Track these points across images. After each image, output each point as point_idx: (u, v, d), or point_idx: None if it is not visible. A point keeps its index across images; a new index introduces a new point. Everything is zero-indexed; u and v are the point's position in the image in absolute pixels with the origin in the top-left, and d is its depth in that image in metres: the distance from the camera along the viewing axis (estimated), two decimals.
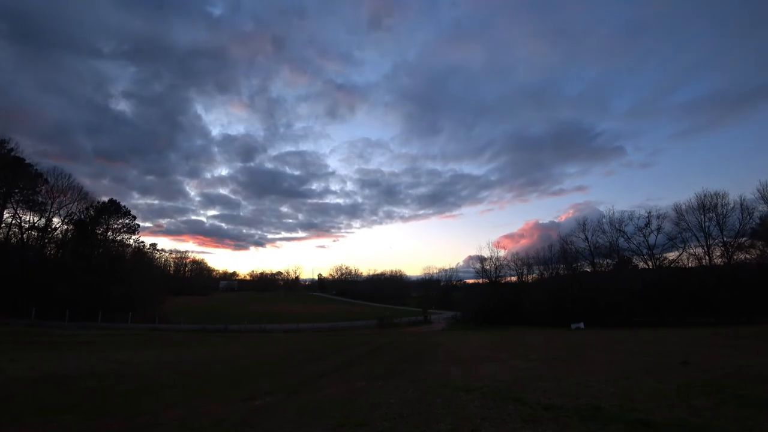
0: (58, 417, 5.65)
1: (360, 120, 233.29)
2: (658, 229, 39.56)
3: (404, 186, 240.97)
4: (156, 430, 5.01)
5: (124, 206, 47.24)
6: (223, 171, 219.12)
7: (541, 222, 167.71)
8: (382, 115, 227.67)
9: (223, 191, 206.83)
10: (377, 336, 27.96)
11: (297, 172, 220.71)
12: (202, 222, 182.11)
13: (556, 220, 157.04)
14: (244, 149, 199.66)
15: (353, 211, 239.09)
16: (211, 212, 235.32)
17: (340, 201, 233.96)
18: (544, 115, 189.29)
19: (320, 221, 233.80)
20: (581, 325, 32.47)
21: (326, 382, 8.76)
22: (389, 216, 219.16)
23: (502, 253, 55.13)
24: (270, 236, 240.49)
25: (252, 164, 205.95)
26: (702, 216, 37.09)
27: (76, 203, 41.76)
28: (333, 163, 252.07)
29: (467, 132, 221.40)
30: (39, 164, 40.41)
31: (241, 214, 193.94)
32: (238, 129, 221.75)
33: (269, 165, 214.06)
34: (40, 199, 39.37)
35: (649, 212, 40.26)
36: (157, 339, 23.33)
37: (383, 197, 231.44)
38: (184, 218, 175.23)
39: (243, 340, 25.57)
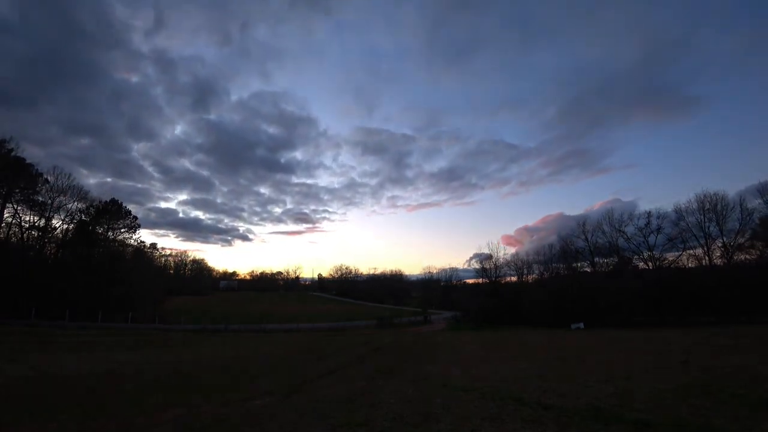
0: (58, 417, 5.65)
1: (357, 22, 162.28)
2: (658, 230, 39.63)
3: (417, 155, 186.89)
4: (156, 430, 5.02)
5: (125, 206, 47.42)
6: (176, 128, 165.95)
7: (568, 214, 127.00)
8: (390, 16, 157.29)
9: (186, 164, 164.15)
10: (377, 336, 27.95)
11: (274, 130, 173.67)
12: (173, 211, 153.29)
13: (584, 211, 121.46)
14: (195, 87, 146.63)
15: (350, 196, 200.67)
16: (181, 196, 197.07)
17: (334, 180, 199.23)
18: (633, 20, 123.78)
19: (311, 210, 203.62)
20: (581, 325, 32.42)
21: (326, 382, 8.76)
22: (393, 204, 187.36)
23: (503, 252, 54.62)
24: (256, 229, 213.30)
25: (211, 117, 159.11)
26: (702, 216, 37.15)
27: (76, 203, 41.83)
28: (323, 115, 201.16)
29: (518, 55, 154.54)
30: (39, 164, 40.56)
31: (218, 200, 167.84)
32: (176, 44, 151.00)
33: (235, 117, 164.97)
34: (40, 198, 39.41)
35: (649, 212, 40.42)
36: (157, 339, 23.32)
37: (389, 172, 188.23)
38: (151, 205, 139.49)
39: (243, 340, 25.56)
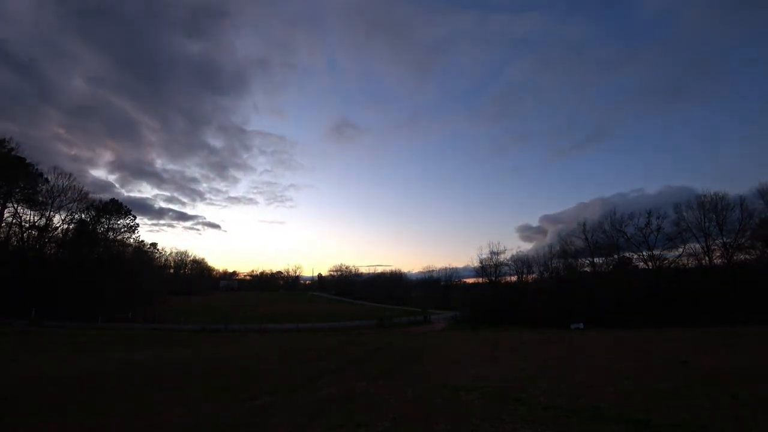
0: (58, 417, 5.65)
1: None
2: (658, 230, 39.61)
3: (457, 48, 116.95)
4: (156, 430, 5.02)
5: (125, 206, 47.50)
6: None
7: (623, 192, 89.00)
8: None
9: (78, 81, 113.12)
10: (377, 336, 27.94)
11: None
12: (107, 184, 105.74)
13: (627, 192, 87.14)
14: None
15: (338, 151, 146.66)
16: (103, 154, 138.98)
17: (316, 119, 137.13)
18: None
19: (289, 185, 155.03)
20: (581, 325, 32.42)
21: (326, 382, 8.76)
22: (401, 169, 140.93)
23: (503, 252, 54.26)
24: (226, 215, 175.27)
25: None
26: (702, 216, 37.16)
27: (76, 203, 41.84)
28: None
29: None
30: (40, 164, 40.62)
31: (157, 163, 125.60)
32: None
33: None
34: (40, 198, 39.42)
35: (649, 212, 40.41)
36: (157, 339, 23.31)
37: (403, 102, 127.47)
38: (77, 168, 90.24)
39: (243, 339, 25.56)
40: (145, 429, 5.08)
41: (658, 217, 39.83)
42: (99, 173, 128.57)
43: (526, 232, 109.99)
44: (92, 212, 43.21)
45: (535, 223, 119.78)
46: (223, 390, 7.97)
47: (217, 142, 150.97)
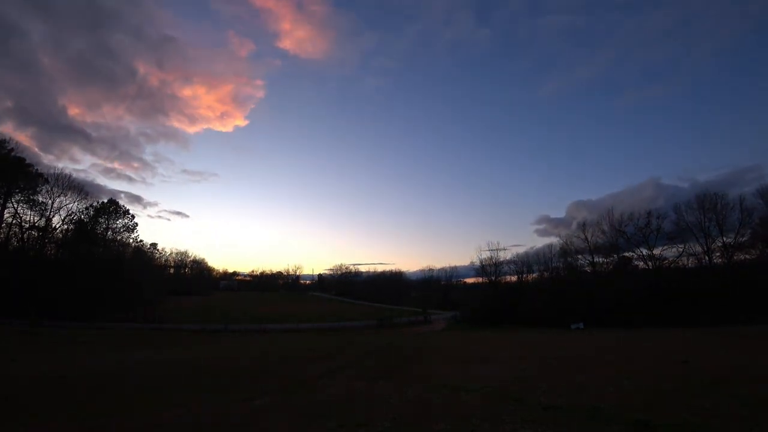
0: (59, 417, 5.65)
1: None
2: (658, 230, 39.61)
3: None
4: (156, 430, 5.02)
5: (124, 206, 47.56)
6: None
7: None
8: None
9: None
10: (377, 336, 27.95)
11: None
12: (22, 149, 75.07)
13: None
14: None
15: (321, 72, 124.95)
16: None
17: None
18: None
19: (264, 145, 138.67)
20: (581, 325, 32.42)
21: (326, 382, 8.76)
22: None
23: (502, 252, 54.41)
24: (187, 198, 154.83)
25: None
26: (702, 216, 37.17)
27: (76, 203, 41.89)
28: None
29: None
30: (39, 164, 40.69)
31: (76, 116, 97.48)
32: None
33: None
34: (40, 198, 39.48)
35: (649, 212, 40.44)
36: (157, 339, 23.32)
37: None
38: None
39: (243, 339, 25.56)
40: (145, 429, 5.08)
41: (657, 217, 39.91)
42: (4, 128, 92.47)
43: (544, 224, 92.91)
44: (92, 212, 43.25)
45: (559, 214, 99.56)
46: (223, 390, 7.97)
47: (138, 64, 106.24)
